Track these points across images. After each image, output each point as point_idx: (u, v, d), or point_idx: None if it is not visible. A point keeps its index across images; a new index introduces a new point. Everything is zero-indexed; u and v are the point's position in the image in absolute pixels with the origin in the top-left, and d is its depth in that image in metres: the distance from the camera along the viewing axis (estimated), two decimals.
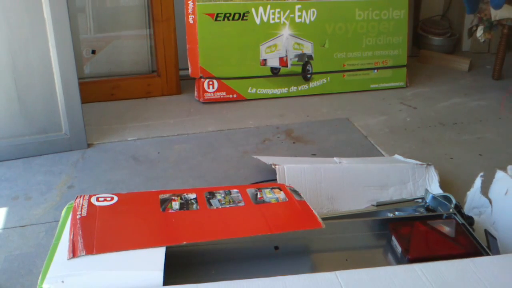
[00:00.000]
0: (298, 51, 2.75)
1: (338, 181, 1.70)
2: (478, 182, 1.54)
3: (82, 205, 1.22)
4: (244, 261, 1.25)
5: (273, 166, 1.71)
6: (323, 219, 1.23)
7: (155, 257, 1.03)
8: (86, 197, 1.26)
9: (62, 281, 0.95)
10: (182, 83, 2.76)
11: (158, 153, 2.12)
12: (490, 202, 1.46)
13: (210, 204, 1.27)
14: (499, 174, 1.45)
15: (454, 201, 1.43)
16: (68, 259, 1.01)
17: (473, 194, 1.54)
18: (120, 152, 2.12)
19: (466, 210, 1.50)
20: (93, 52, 2.71)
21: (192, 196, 1.30)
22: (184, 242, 1.11)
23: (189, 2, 2.52)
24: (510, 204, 1.38)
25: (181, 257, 1.21)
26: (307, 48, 2.76)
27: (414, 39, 3.53)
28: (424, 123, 2.48)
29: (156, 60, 2.70)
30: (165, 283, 0.99)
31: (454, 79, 3.11)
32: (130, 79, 2.73)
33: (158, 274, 0.99)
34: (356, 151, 2.17)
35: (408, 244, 1.24)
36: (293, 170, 1.70)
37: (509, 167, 1.45)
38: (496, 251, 1.29)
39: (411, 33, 3.41)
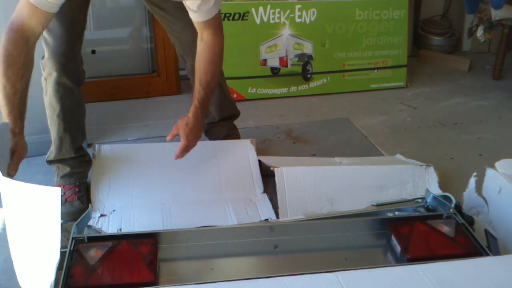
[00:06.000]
0: (298, 51, 2.75)
1: (337, 183, 1.69)
2: (472, 182, 1.54)
3: None
4: (244, 260, 1.25)
5: (271, 169, 1.69)
6: (323, 219, 1.23)
7: None
8: None
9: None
10: (182, 83, 2.76)
11: None
12: (486, 201, 1.46)
13: None
14: (489, 172, 1.44)
15: (454, 201, 1.42)
16: None
17: (469, 194, 1.54)
18: None
19: (465, 210, 1.50)
20: (93, 52, 2.71)
21: None
22: None
23: None
24: (504, 203, 1.38)
25: (180, 255, 1.21)
26: (307, 48, 2.76)
27: (414, 39, 3.53)
28: (424, 123, 2.48)
29: (156, 60, 2.70)
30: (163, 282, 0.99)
31: (454, 79, 3.11)
32: (130, 79, 2.73)
33: None
34: (356, 151, 2.16)
35: (407, 243, 1.24)
36: (292, 172, 1.68)
37: (497, 164, 1.44)
38: (496, 252, 1.28)
39: (411, 33, 3.41)
